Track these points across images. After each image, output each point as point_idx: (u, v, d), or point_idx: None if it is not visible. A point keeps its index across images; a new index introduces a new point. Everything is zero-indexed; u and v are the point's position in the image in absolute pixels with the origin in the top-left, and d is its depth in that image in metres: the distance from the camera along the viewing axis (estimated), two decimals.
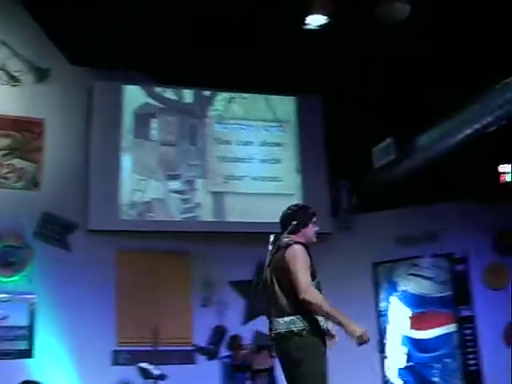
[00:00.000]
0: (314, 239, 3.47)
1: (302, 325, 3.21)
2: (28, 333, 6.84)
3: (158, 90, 7.91)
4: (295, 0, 6.30)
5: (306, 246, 3.33)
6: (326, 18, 6.35)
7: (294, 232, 3.38)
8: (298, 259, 3.22)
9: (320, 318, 3.22)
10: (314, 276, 3.26)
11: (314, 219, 3.48)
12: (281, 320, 3.24)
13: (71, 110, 7.62)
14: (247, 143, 7.92)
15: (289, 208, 3.52)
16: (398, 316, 7.86)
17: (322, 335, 3.26)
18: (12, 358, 6.68)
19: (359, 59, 7.20)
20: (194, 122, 7.80)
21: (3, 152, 7.25)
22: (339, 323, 3.13)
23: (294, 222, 3.37)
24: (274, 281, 3.31)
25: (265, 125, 7.99)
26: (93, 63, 7.62)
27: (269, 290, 3.34)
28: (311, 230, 3.46)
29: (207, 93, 8.01)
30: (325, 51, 7.12)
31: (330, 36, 6.80)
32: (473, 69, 6.18)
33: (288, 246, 3.29)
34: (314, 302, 3.13)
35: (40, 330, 6.88)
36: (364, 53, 7.11)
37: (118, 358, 7.02)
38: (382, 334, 7.78)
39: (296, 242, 3.30)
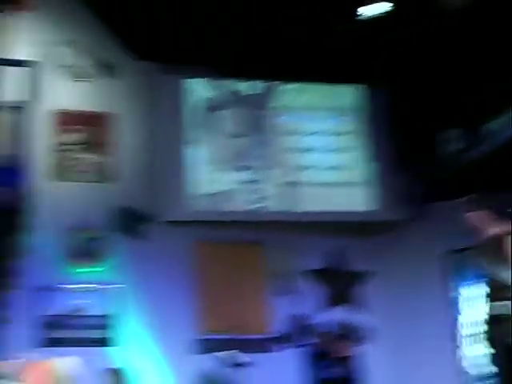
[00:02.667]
0: None
1: None
2: (111, 322, 8.02)
3: (224, 82, 9.05)
4: None
5: None
6: (390, 5, 7.93)
7: None
8: None
9: None
10: None
11: None
12: None
13: (140, 103, 8.79)
14: (315, 133, 9.19)
15: None
16: (472, 305, 8.97)
17: None
18: (97, 346, 7.83)
19: (424, 46, 8.29)
20: (261, 113, 9.18)
21: (77, 147, 8.88)
22: None
23: None
24: None
25: (332, 114, 9.28)
26: (159, 58, 9.06)
27: None
28: None
29: (273, 84, 9.15)
30: (389, 39, 8.22)
31: (394, 24, 8.01)
32: None
33: None
34: None
35: (124, 318, 8.01)
36: (428, 39, 8.23)
37: (201, 347, 8.08)
38: (454, 323, 8.68)
39: None
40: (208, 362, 7.85)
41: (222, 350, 7.44)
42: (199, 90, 9.06)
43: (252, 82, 9.16)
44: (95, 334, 7.97)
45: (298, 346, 8.33)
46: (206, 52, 8.71)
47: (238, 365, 7.15)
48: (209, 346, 8.06)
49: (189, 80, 8.95)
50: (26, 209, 7.78)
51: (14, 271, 7.49)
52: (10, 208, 7.39)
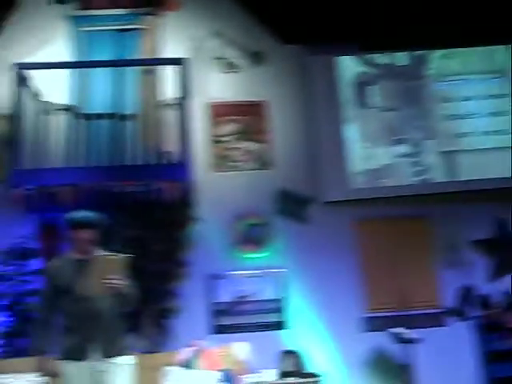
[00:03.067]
0: None
1: None
2: (281, 305, 8.29)
3: (371, 57, 9.07)
4: None
5: None
6: None
7: None
8: None
9: None
10: None
11: None
12: None
13: (290, 87, 8.94)
14: (469, 98, 8.95)
15: None
16: None
17: None
18: (268, 330, 8.07)
19: None
20: (411, 83, 9.07)
21: (233, 137, 9.02)
22: None
23: None
24: None
25: (484, 77, 8.92)
26: (304, 40, 9.15)
27: None
28: None
29: (421, 53, 9.08)
30: None
31: None
32: None
33: None
34: None
35: (291, 301, 8.23)
36: None
37: (369, 325, 8.17)
38: None
39: None
40: (377, 339, 7.95)
41: (390, 327, 7.47)
42: (349, 66, 9.11)
43: (398, 54, 9.10)
44: (265, 318, 8.19)
45: (468, 319, 8.18)
46: (353, 28, 8.81)
47: (407, 341, 7.11)
48: (376, 324, 8.14)
49: (338, 58, 9.00)
50: (193, 201, 8.08)
51: (185, 261, 7.69)
52: (181, 201, 7.71)
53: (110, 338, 5.12)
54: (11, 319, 7.32)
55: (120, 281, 4.94)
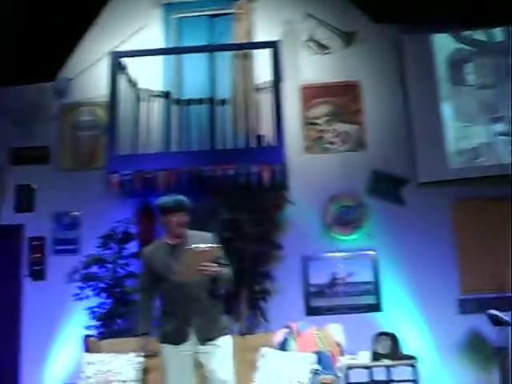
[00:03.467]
0: None
1: None
2: (374, 287, 8.30)
3: (466, 33, 8.84)
4: None
5: None
6: None
7: None
8: None
9: None
10: None
11: None
12: None
13: (383, 67, 8.85)
14: None
15: None
16: None
17: None
18: (362, 312, 8.09)
19: None
20: (508, 60, 9.10)
21: (325, 118, 9.03)
22: None
23: None
24: None
25: None
26: (397, 18, 9.13)
27: None
28: None
29: None
30: None
31: None
32: None
33: None
34: None
35: (385, 283, 8.17)
36: None
37: (464, 307, 7.98)
38: None
39: None
40: (472, 322, 7.92)
41: (486, 310, 7.40)
42: (444, 44, 8.94)
43: (495, 30, 8.94)
44: (360, 300, 8.25)
45: None
46: (447, 4, 8.61)
47: (503, 323, 7.08)
48: (471, 306, 8.04)
49: (433, 35, 8.87)
50: (287, 184, 8.18)
51: (279, 244, 7.80)
52: (275, 184, 7.93)
53: (208, 321, 5.22)
54: (109, 301, 7.48)
55: (214, 267, 5.01)
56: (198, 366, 5.15)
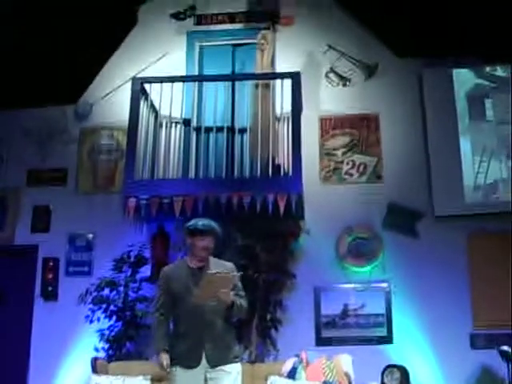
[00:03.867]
0: None
1: None
2: (386, 320, 8.21)
3: (487, 69, 8.88)
4: None
5: None
6: None
7: None
8: None
9: None
10: None
11: None
12: None
13: (403, 100, 8.86)
14: None
15: None
16: None
17: None
18: (373, 344, 8.02)
19: None
20: None
21: (343, 150, 9.05)
22: None
23: None
24: None
25: None
26: (419, 53, 9.09)
27: None
28: None
29: None
30: None
31: None
32: None
33: None
34: None
35: (397, 316, 8.07)
36: None
37: (476, 342, 7.93)
38: None
39: None
40: (484, 357, 7.77)
41: (498, 345, 7.23)
42: (465, 79, 9.01)
43: None
44: (371, 332, 8.21)
45: None
46: (469, 40, 8.66)
47: None
48: (484, 341, 7.91)
49: (452, 70, 8.95)
50: (302, 213, 8.21)
51: (292, 273, 7.80)
52: (290, 213, 7.90)
53: (220, 347, 5.22)
54: (119, 324, 7.50)
55: (231, 295, 5.08)
56: None
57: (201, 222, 5.24)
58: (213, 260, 5.27)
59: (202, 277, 5.03)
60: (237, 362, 5.24)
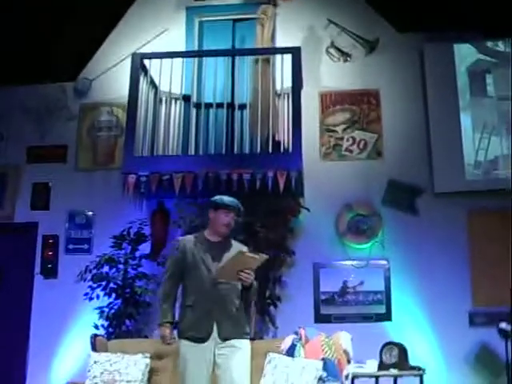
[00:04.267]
0: None
1: None
2: (384, 297, 8.19)
3: (488, 44, 8.76)
4: None
5: None
6: None
7: None
8: None
9: None
10: None
11: None
12: None
13: (403, 76, 8.81)
14: None
15: None
16: None
17: None
18: (371, 321, 8.03)
19: None
20: None
21: (344, 126, 8.98)
22: None
23: None
24: None
25: None
26: (420, 28, 9.04)
27: None
28: None
29: None
30: None
31: None
32: None
33: None
34: None
35: (395, 293, 8.07)
36: None
37: (475, 319, 7.93)
38: None
39: None
40: (482, 334, 7.82)
41: (497, 323, 7.21)
42: (467, 54, 8.92)
43: None
44: (369, 309, 8.21)
45: None
46: (470, 14, 8.61)
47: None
48: (483, 319, 7.94)
49: (453, 46, 8.86)
50: (302, 190, 8.25)
51: (292, 250, 7.79)
52: (290, 190, 7.94)
53: (232, 322, 5.26)
54: (119, 302, 7.51)
55: (251, 276, 5.14)
56: (215, 367, 5.19)
57: (227, 198, 5.35)
58: (233, 243, 5.38)
59: (220, 251, 5.19)
60: (247, 338, 5.32)
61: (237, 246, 5.18)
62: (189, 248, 5.00)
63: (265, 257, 5.14)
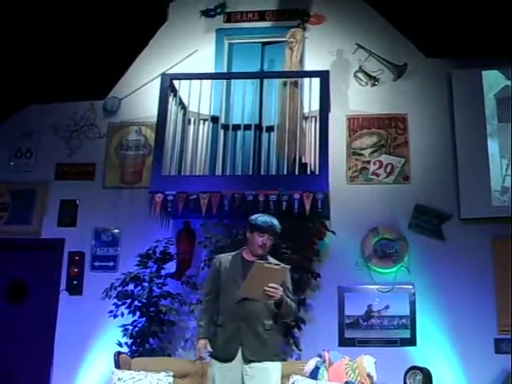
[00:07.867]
0: None
1: None
2: (409, 322, 8.10)
3: None
4: None
5: None
6: None
7: None
8: None
9: None
10: None
11: None
12: None
13: (431, 101, 8.79)
14: None
15: None
16: None
17: None
18: (396, 346, 7.97)
19: None
20: None
21: (371, 150, 8.98)
22: None
23: None
24: None
25: None
26: (448, 53, 9.01)
27: None
28: None
29: None
30: None
31: None
32: None
33: None
34: None
35: (421, 318, 8.01)
36: None
37: (501, 346, 7.83)
38: None
39: None
40: (507, 362, 7.63)
41: None
42: (494, 80, 8.91)
43: None
44: (394, 334, 8.17)
45: None
46: (499, 41, 8.56)
47: None
48: (508, 346, 7.82)
49: (481, 72, 8.82)
50: (328, 213, 8.20)
51: (317, 272, 7.77)
52: (316, 212, 7.91)
53: (260, 343, 5.17)
54: (143, 320, 7.50)
55: (278, 290, 4.99)
56: None
57: (261, 218, 5.20)
58: (270, 258, 5.23)
59: (252, 270, 4.92)
60: (276, 360, 5.20)
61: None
62: (224, 266, 4.96)
63: (286, 267, 5.05)
